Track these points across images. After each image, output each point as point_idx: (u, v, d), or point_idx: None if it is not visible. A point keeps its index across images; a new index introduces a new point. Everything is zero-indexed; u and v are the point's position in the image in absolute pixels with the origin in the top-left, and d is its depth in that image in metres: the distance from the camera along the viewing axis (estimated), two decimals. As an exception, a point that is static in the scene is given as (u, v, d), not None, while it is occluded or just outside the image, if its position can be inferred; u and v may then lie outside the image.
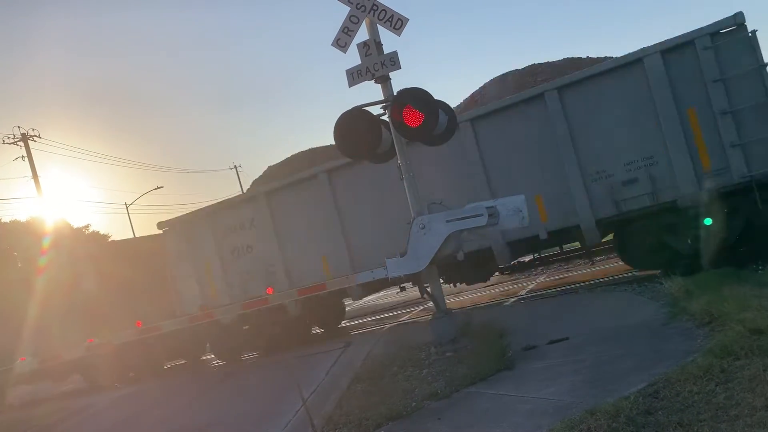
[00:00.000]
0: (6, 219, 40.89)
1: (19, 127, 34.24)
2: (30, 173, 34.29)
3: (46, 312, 14.91)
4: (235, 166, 62.59)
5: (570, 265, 15.26)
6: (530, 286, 14.38)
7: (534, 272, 16.00)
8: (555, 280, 14.27)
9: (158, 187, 45.75)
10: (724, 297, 7.15)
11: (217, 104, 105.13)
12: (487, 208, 8.21)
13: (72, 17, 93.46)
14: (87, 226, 44.85)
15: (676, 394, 4.99)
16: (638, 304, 9.04)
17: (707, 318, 6.89)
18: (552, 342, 7.99)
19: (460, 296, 15.46)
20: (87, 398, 14.24)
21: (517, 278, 16.15)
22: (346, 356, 10.54)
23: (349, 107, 9.01)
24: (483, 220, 8.06)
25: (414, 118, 8.49)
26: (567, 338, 7.98)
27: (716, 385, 4.94)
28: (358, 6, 9.01)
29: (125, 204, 45.53)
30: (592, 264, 13.39)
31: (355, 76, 9.17)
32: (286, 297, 12.48)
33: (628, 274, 12.10)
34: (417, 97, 8.57)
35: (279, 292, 12.70)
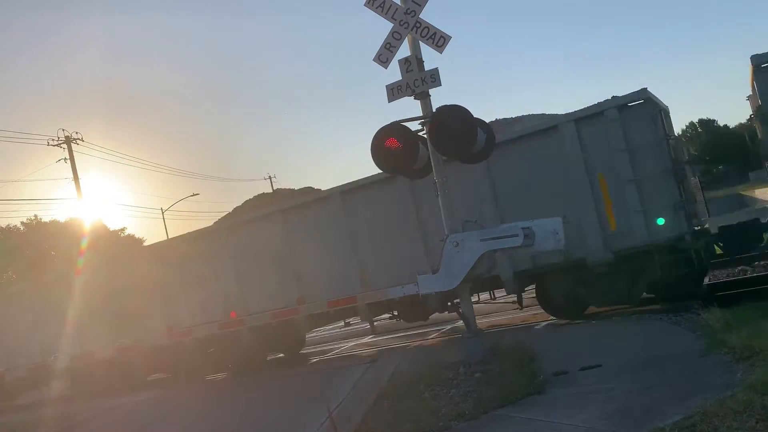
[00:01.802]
0: (46, 219, 41.88)
1: (63, 130, 35.16)
2: (71, 175, 35.11)
3: (81, 311, 15.16)
4: (270, 177, 63.08)
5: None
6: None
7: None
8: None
9: (194, 194, 46.46)
10: (765, 331, 6.93)
11: (258, 114, 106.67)
12: (522, 228, 8.13)
13: (116, 22, 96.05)
14: (123, 229, 45.82)
15: (713, 429, 4.83)
16: (674, 333, 8.81)
17: (747, 352, 6.67)
18: (584, 368, 7.82)
19: (491, 317, 15.27)
20: (113, 399, 14.40)
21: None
22: (373, 372, 10.47)
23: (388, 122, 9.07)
24: (518, 241, 7.99)
25: (452, 136, 8.48)
26: (599, 365, 7.81)
27: (756, 422, 4.77)
28: (402, 23, 9.08)
29: (161, 209, 46.29)
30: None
31: (395, 92, 9.21)
32: (315, 308, 12.51)
33: (666, 304, 11.82)
34: (456, 114, 8.56)
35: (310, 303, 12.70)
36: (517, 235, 8.06)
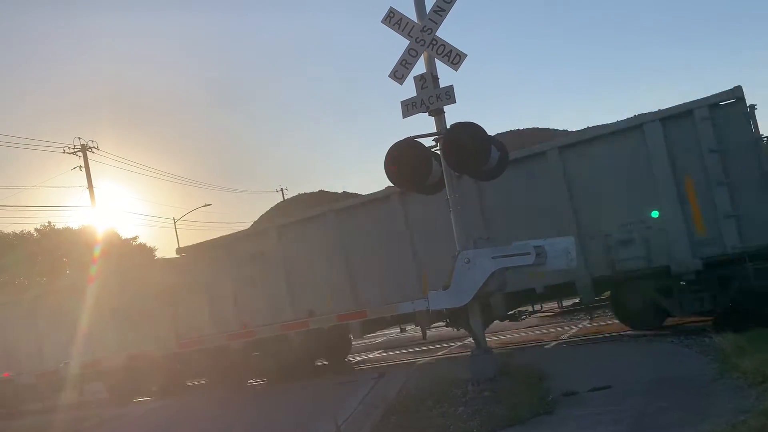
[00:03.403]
0: (59, 226, 42.18)
1: (79, 138, 35.52)
2: (86, 183, 35.42)
3: (92, 319, 15.23)
4: (281, 189, 63.26)
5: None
6: (573, 330, 14.08)
7: (578, 317, 15.69)
8: (599, 326, 13.94)
9: (206, 205, 46.65)
10: (779, 356, 6.87)
11: (272, 125, 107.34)
12: (535, 247, 8.12)
13: (133, 30, 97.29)
14: (135, 238, 46.04)
15: (725, 453, 4.79)
16: (685, 356, 8.75)
17: (760, 377, 6.61)
18: (593, 389, 7.77)
19: (501, 335, 15.23)
20: (119, 407, 14.44)
21: (560, 321, 15.84)
22: (380, 387, 10.44)
23: (401, 137, 9.11)
24: (530, 259, 7.97)
25: (466, 153, 8.50)
26: (609, 387, 7.76)
27: (769, 449, 4.72)
28: (418, 40, 9.15)
29: (173, 219, 46.53)
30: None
31: (409, 108, 9.26)
32: (325, 321, 12.47)
33: (676, 326, 11.75)
34: (470, 131, 8.59)
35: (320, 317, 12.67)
36: (528, 254, 8.05)
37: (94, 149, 35.63)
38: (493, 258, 8.21)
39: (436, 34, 9.08)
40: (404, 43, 9.27)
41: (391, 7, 9.31)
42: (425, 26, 9.11)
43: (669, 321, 11.66)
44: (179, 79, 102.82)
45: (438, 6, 9.06)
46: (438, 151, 9.10)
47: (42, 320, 16.73)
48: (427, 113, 9.19)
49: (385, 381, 10.77)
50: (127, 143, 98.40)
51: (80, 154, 35.18)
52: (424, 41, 9.12)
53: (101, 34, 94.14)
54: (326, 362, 15.05)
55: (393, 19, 9.30)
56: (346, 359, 15.52)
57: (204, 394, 14.48)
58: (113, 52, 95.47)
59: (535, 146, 11.41)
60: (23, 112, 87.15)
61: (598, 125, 12.19)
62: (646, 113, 10.62)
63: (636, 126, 10.51)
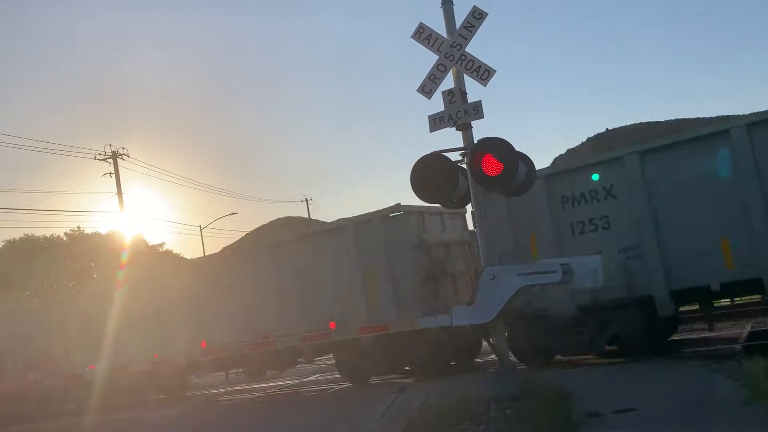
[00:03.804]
0: (88, 230, 42.82)
1: (110, 145, 36.12)
2: (115, 189, 35.98)
3: (119, 323, 15.41)
4: (306, 199, 63.61)
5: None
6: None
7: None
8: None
9: (232, 213, 47.07)
10: (811, 384, 6.68)
11: (298, 134, 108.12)
12: (561, 265, 8.04)
13: (165, 40, 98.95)
14: (162, 244, 46.51)
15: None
16: (713, 380, 8.55)
17: (792, 405, 6.45)
18: (618, 411, 7.64)
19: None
20: (139, 411, 14.56)
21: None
22: (402, 401, 10.38)
23: (428, 151, 9.12)
24: (557, 277, 7.90)
25: (493, 168, 8.49)
26: (634, 409, 7.63)
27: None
28: (447, 55, 9.17)
29: (199, 226, 47.01)
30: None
31: (437, 122, 9.27)
32: (346, 334, 12.47)
33: (704, 348, 11.53)
34: (498, 146, 8.58)
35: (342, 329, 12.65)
36: (555, 272, 7.98)
37: (124, 156, 36.23)
38: (518, 275, 8.15)
39: (466, 49, 9.10)
40: (434, 58, 9.32)
41: (420, 22, 9.37)
42: (454, 42, 9.14)
43: (695, 344, 11.45)
44: (209, 86, 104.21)
45: (468, 22, 9.08)
46: (465, 166, 9.10)
47: (70, 323, 16.96)
48: (454, 128, 9.20)
49: (407, 395, 10.71)
50: (156, 150, 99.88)
51: (111, 160, 35.79)
52: (453, 56, 9.14)
53: (134, 40, 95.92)
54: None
55: (423, 35, 9.34)
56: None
57: (226, 402, 14.55)
58: (146, 58, 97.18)
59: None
60: (56, 118, 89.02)
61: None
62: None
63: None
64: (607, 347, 11.21)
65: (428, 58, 9.36)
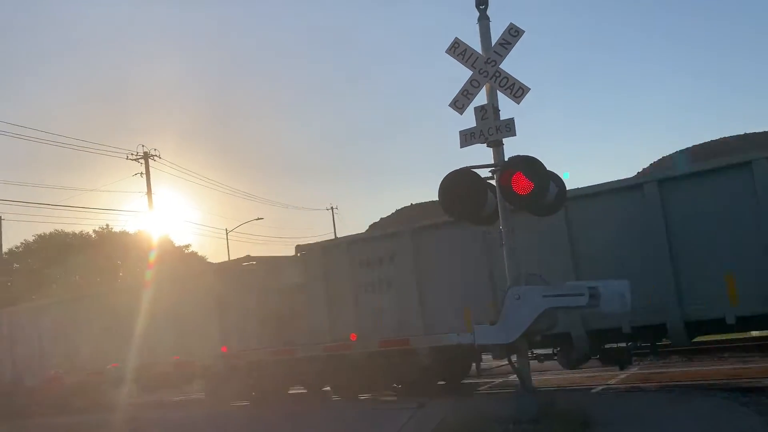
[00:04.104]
0: (116, 229, 43.45)
1: (143, 146, 36.71)
2: (145, 189, 36.47)
3: (144, 322, 15.55)
4: (332, 207, 63.86)
5: (666, 360, 14.42)
6: (621, 376, 13.62)
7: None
8: (649, 373, 13.46)
9: (259, 218, 47.40)
10: None
11: (327, 142, 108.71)
12: (588, 288, 7.90)
13: (201, 42, 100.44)
14: (187, 246, 47.04)
15: None
16: (741, 414, 8.32)
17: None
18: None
19: (546, 374, 14.85)
20: (159, 411, 14.63)
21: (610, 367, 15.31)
22: (419, 418, 10.28)
23: (456, 166, 9.07)
24: (584, 300, 7.75)
25: (523, 186, 8.39)
26: (658, 440, 7.45)
27: None
28: (481, 71, 9.12)
29: (225, 230, 47.41)
30: (690, 361, 12.58)
31: (467, 138, 9.21)
32: (369, 346, 12.40)
33: (732, 381, 11.25)
34: (529, 165, 8.48)
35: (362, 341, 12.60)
36: (582, 295, 7.83)
37: (155, 157, 36.77)
38: (544, 296, 8.02)
39: (500, 66, 9.04)
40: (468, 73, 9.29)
41: (456, 38, 9.33)
42: (489, 58, 9.09)
43: (721, 375, 11.18)
44: (240, 91, 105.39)
45: (504, 39, 9.03)
46: (494, 183, 9.02)
47: (95, 320, 17.15)
48: (485, 144, 9.13)
49: (424, 412, 10.60)
50: (186, 152, 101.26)
51: (142, 161, 36.33)
52: (488, 73, 9.08)
53: (171, 43, 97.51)
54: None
55: (457, 50, 9.31)
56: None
57: (242, 406, 14.56)
58: (180, 61, 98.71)
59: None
60: (91, 117, 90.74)
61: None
62: None
63: None
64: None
65: (454, 69, 9.33)
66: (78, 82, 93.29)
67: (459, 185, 8.91)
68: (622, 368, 12.18)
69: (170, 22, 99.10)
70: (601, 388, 12.41)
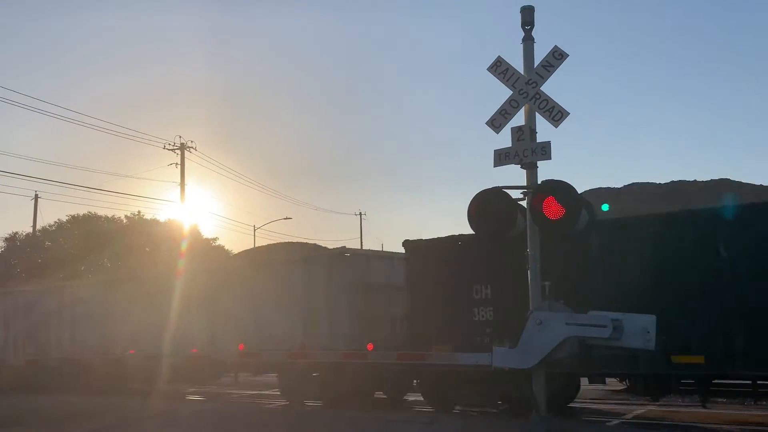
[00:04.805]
0: (148, 216, 44.06)
1: (180, 137, 37.21)
2: (179, 179, 36.94)
3: (165, 311, 15.67)
4: (360, 213, 63.96)
5: (686, 400, 14.06)
6: (638, 411, 13.34)
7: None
8: (667, 410, 13.15)
9: (287, 218, 47.71)
10: None
11: (363, 148, 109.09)
12: (612, 320, 7.76)
13: (247, 39, 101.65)
14: (215, 239, 47.46)
15: None
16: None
17: None
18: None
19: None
20: (170, 402, 14.74)
21: (625, 399, 15.04)
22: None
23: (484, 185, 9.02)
24: (606, 332, 7.62)
25: (554, 212, 8.30)
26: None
27: None
28: (521, 92, 9.06)
29: (253, 226, 47.78)
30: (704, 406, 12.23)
31: (502, 158, 9.15)
32: (385, 357, 12.35)
33: (751, 425, 10.95)
34: (562, 190, 8.38)
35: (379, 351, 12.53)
36: (605, 326, 7.70)
37: (192, 149, 37.25)
38: (567, 324, 7.90)
39: (541, 88, 8.97)
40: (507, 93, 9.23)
41: (498, 56, 9.30)
42: (530, 79, 9.02)
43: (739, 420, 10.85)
44: (280, 87, 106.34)
45: (547, 61, 8.96)
46: (524, 204, 8.94)
47: (122, 305, 17.32)
48: (519, 165, 9.06)
49: (434, 429, 10.52)
50: (219, 146, 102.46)
51: (178, 152, 36.83)
52: (528, 94, 9.02)
53: (213, 42, 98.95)
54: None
55: (499, 68, 9.26)
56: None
57: (252, 404, 14.62)
58: (222, 59, 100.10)
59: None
60: (133, 105, 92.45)
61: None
62: None
63: None
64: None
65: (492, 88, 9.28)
66: (125, 73, 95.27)
67: (489, 204, 8.85)
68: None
69: (218, 24, 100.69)
70: (617, 422, 12.17)
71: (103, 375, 17.23)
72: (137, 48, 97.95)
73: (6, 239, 44.29)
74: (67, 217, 44.20)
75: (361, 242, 59.83)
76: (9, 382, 18.87)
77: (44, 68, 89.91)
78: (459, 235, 12.67)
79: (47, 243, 44.00)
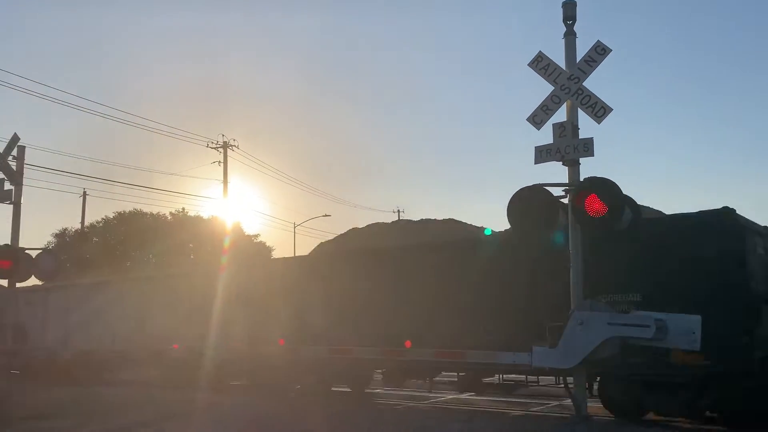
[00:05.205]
0: (191, 213, 44.90)
1: (223, 135, 37.83)
2: (221, 177, 37.53)
3: (208, 306, 15.93)
4: (398, 210, 63.94)
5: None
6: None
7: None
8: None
9: (326, 215, 48.03)
10: None
11: (402, 145, 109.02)
12: (656, 320, 7.60)
13: (293, 35, 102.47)
14: (257, 235, 48.07)
15: None
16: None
17: None
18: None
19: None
20: (212, 396, 14.94)
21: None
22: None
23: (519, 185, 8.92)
24: (649, 333, 7.48)
25: (597, 209, 8.17)
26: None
27: None
28: (563, 88, 8.95)
29: (294, 223, 48.20)
30: None
31: (543, 154, 9.06)
32: (422, 354, 12.32)
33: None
34: (605, 188, 8.25)
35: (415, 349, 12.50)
36: (648, 326, 7.55)
37: (234, 147, 37.82)
38: (609, 324, 7.77)
39: (583, 84, 8.84)
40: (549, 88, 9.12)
41: (540, 51, 9.22)
42: (572, 75, 8.91)
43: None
44: (319, 88, 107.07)
45: (589, 56, 8.84)
46: (566, 202, 8.83)
47: (160, 301, 17.70)
48: (561, 162, 8.95)
49: (472, 428, 10.45)
50: (261, 144, 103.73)
51: (221, 150, 37.43)
52: (570, 89, 8.91)
53: (254, 42, 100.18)
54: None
55: (540, 64, 9.17)
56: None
57: (292, 396, 14.76)
58: (263, 58, 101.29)
59: None
60: (177, 105, 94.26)
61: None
62: None
63: None
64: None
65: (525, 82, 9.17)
66: (170, 73, 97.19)
67: (530, 201, 8.76)
68: None
69: (261, 24, 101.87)
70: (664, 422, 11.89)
71: (146, 368, 17.60)
72: (181, 48, 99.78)
73: (56, 235, 45.72)
74: (113, 214, 45.40)
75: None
76: (59, 374, 19.42)
77: (91, 67, 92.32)
78: None
79: (95, 239, 45.21)
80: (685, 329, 7.81)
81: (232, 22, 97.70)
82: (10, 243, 13.95)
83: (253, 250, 42.36)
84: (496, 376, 12.59)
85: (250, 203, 76.22)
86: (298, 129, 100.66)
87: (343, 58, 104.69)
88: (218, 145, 37.49)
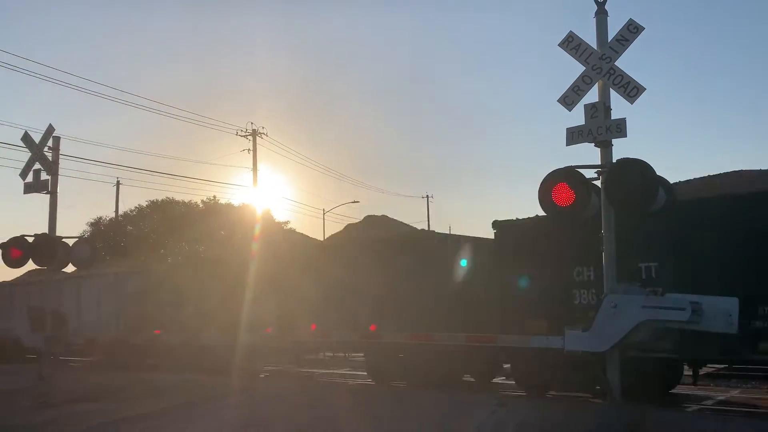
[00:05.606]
0: (222, 201, 45.38)
1: (252, 123, 38.11)
2: (251, 165, 37.84)
3: (232, 293, 16.11)
4: (427, 196, 63.76)
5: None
6: (720, 397, 12.83)
7: (729, 383, 14.27)
8: (752, 397, 12.60)
9: (354, 201, 48.15)
10: None
11: (431, 131, 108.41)
12: (691, 302, 7.47)
13: (321, 25, 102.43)
14: (287, 222, 48.43)
15: None
16: None
17: None
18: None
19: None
20: (245, 381, 15.13)
21: (707, 384, 14.50)
22: (499, 417, 10.10)
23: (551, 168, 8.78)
24: (685, 315, 7.35)
25: (630, 190, 8.02)
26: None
27: None
28: (594, 67, 8.78)
29: (323, 210, 48.45)
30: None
31: (575, 136, 8.91)
32: (452, 340, 12.33)
33: None
34: (638, 169, 8.09)
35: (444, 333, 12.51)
36: (684, 309, 7.42)
37: (263, 135, 38.06)
38: (643, 307, 7.65)
39: (615, 63, 8.66)
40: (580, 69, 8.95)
41: (570, 31, 9.05)
42: (604, 54, 8.73)
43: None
44: (345, 76, 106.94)
45: (621, 35, 8.64)
46: (599, 184, 8.68)
47: (194, 287, 17.93)
48: (593, 144, 8.80)
49: (505, 412, 10.42)
50: (289, 129, 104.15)
51: (250, 138, 37.71)
52: (601, 69, 8.73)
53: (289, 29, 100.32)
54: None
55: (571, 44, 9.00)
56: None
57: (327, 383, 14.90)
58: (295, 44, 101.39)
59: None
60: (208, 94, 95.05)
61: None
62: None
63: None
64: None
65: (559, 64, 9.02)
66: (201, 64, 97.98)
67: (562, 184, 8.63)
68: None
69: (292, 17, 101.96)
70: (696, 407, 11.75)
71: (181, 353, 17.88)
72: (212, 40, 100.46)
73: (91, 224, 46.65)
74: (146, 203, 46.15)
75: (428, 225, 59.71)
76: (98, 359, 19.88)
77: (124, 60, 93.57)
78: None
79: (129, 227, 46.04)
80: (721, 311, 7.67)
81: (262, 17, 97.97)
82: (48, 232, 14.28)
83: (287, 237, 42.69)
84: None
85: (280, 190, 76.67)
86: (328, 117, 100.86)
87: (373, 50, 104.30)
88: (248, 133, 37.80)
